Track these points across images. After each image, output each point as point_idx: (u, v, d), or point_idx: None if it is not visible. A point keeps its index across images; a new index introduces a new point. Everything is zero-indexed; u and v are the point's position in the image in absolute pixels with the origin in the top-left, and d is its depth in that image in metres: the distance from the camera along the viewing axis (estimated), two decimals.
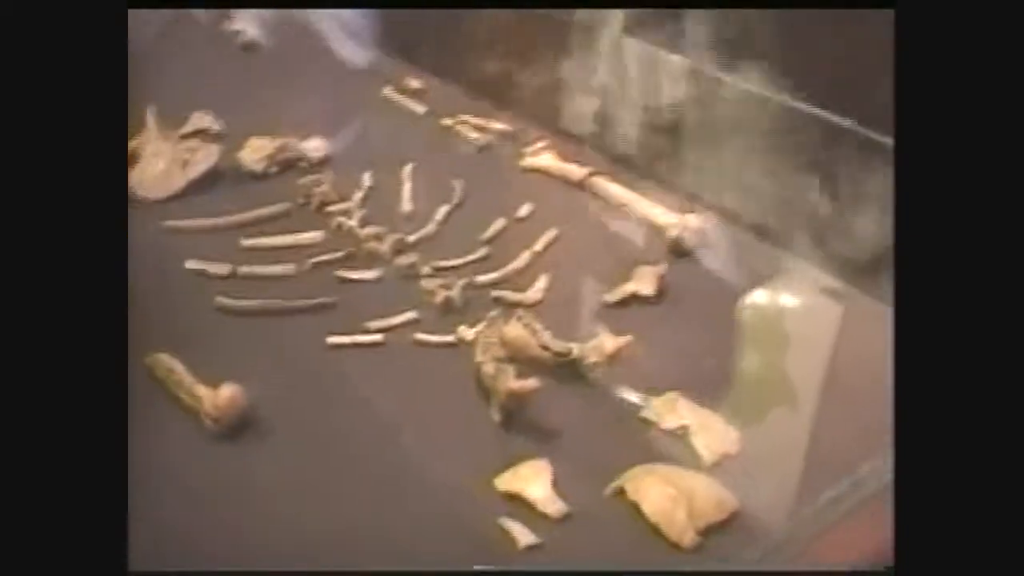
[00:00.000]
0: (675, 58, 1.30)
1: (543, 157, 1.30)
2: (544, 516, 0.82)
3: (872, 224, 1.31)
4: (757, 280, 1.14)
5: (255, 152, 1.30)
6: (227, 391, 0.89)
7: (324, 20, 1.97)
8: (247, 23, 1.69)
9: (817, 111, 1.23)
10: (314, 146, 1.31)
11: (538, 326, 0.97)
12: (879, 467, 0.82)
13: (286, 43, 1.66)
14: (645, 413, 0.92)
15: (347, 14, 2.05)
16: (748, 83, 1.29)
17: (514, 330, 0.97)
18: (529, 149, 1.32)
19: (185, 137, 1.32)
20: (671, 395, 0.93)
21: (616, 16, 1.44)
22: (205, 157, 1.28)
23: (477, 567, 0.78)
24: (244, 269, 1.11)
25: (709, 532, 0.80)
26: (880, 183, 1.25)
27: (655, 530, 0.80)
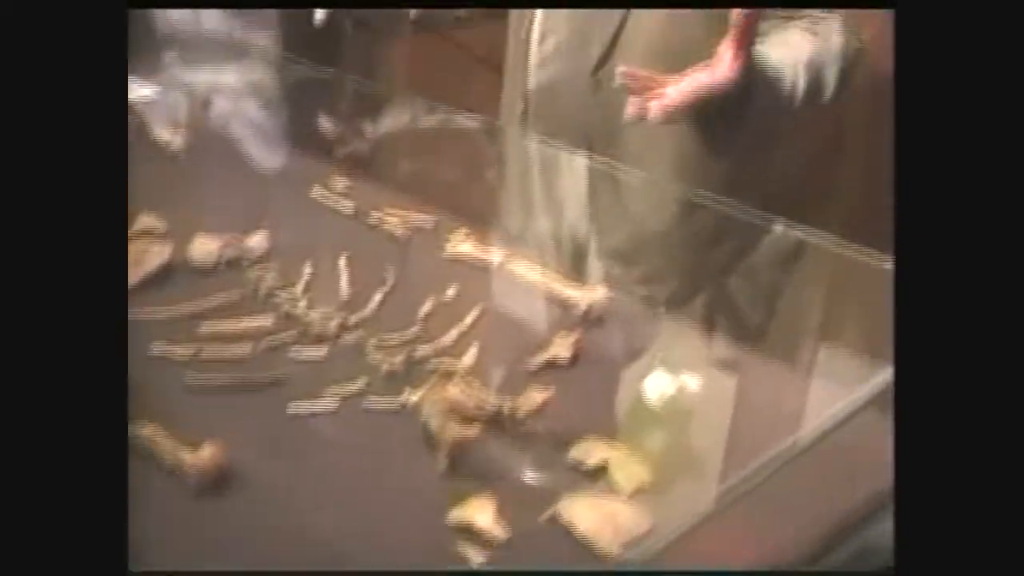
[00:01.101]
0: (577, 158, 1.50)
1: (463, 244, 1.46)
2: (492, 541, 0.96)
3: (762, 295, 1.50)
4: (656, 345, 1.32)
5: (202, 248, 1.44)
6: (209, 449, 1.03)
7: (239, 125, 2.13)
8: (172, 133, 1.83)
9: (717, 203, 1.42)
10: (257, 241, 1.46)
11: (474, 386, 1.13)
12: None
13: (211, 148, 1.82)
14: (570, 454, 1.08)
15: (262, 118, 2.22)
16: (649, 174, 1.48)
17: (454, 390, 1.12)
18: (450, 237, 1.48)
19: (134, 237, 1.45)
20: (591, 439, 1.09)
21: (520, 119, 1.63)
22: (158, 254, 1.41)
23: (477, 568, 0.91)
24: (205, 352, 1.24)
25: (630, 544, 0.96)
26: (769, 253, 1.45)
27: (587, 545, 0.96)
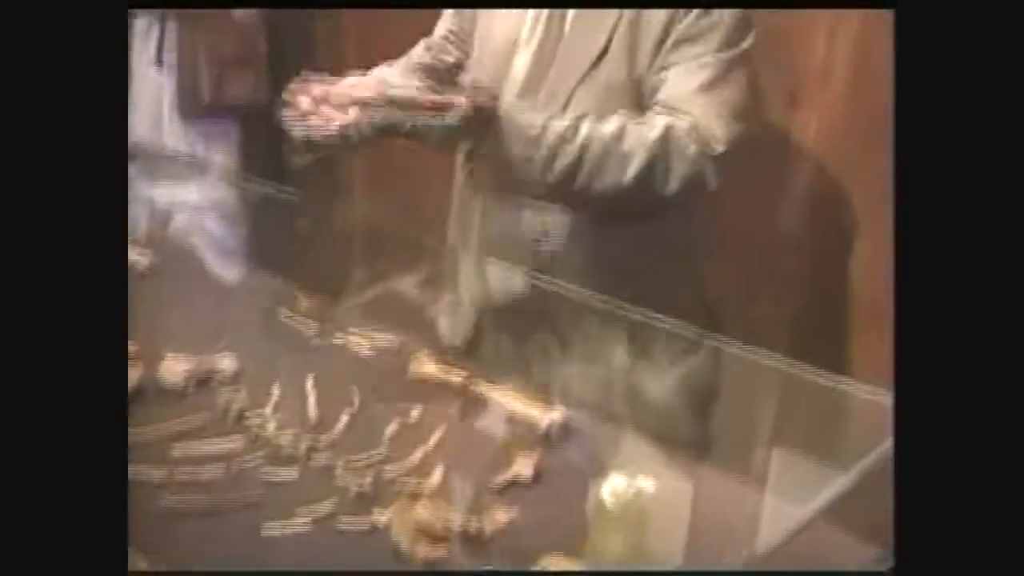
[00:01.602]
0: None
1: (426, 365, 1.52)
2: None
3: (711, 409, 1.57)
4: (612, 461, 1.38)
5: (171, 370, 1.49)
6: None
7: (202, 243, 2.19)
8: (138, 252, 1.89)
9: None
10: (225, 363, 1.51)
11: (441, 506, 1.18)
12: None
13: (175, 265, 1.87)
14: (534, 567, 1.13)
15: (224, 236, 2.28)
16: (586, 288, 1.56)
17: (422, 511, 1.17)
18: (414, 358, 1.54)
19: None
20: (555, 555, 1.14)
21: (477, 240, 1.71)
22: (128, 377, 1.46)
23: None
24: (179, 474, 1.28)
25: None
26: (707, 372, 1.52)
27: None
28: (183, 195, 2.34)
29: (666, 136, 1.46)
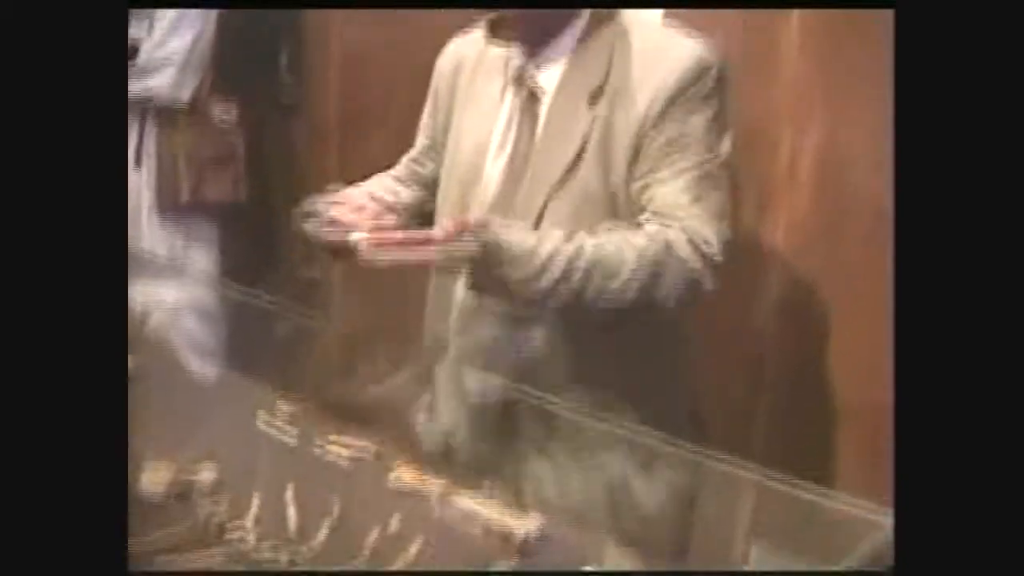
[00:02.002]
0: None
1: (405, 475, 1.54)
2: None
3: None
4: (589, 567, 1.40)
5: (151, 480, 1.50)
6: None
7: (181, 345, 2.21)
8: None
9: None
10: (205, 474, 1.52)
11: None
12: None
13: (154, 369, 1.88)
14: None
15: (204, 338, 2.30)
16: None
17: None
18: (393, 467, 1.56)
19: None
20: None
21: (454, 346, 1.73)
22: None
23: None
24: None
25: None
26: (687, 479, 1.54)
27: None
28: (161, 295, 2.36)
29: (667, 250, 1.49)
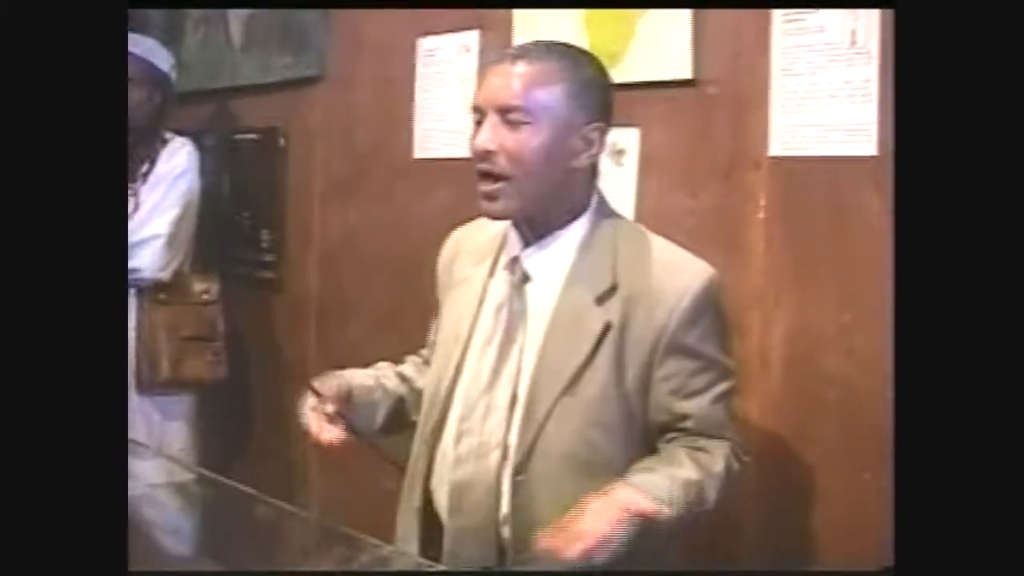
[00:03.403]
0: None
1: None
2: None
3: None
4: None
5: None
6: None
7: (156, 526, 2.18)
8: None
9: None
10: None
11: None
12: None
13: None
14: None
15: (179, 520, 2.27)
16: None
17: None
18: None
19: None
20: None
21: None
22: None
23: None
24: None
25: None
26: None
27: None
28: (137, 472, 2.35)
29: (727, 472, 1.56)
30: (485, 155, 1.55)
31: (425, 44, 2.67)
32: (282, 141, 3.08)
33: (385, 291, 2.80)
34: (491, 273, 1.69)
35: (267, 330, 3.13)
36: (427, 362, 1.84)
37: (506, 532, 1.60)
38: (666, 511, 1.45)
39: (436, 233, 2.63)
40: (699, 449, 1.56)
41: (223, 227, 3.12)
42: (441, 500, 1.67)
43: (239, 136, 3.21)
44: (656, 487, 1.48)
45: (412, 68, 2.71)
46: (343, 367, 2.87)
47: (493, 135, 1.55)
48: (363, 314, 2.86)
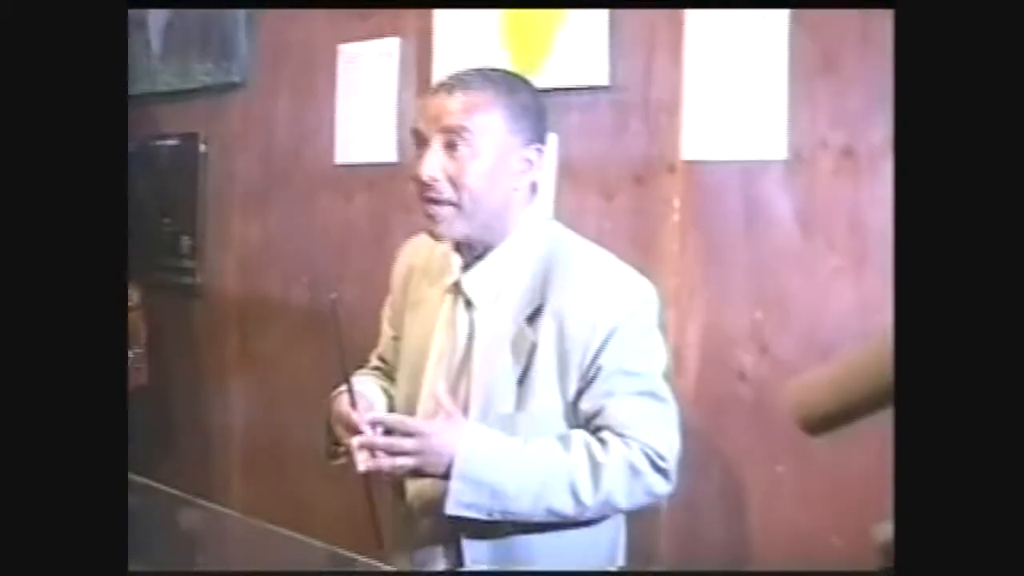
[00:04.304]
0: None
1: None
2: None
3: None
4: None
5: None
6: None
7: None
8: None
9: None
10: None
11: None
12: None
13: None
14: None
15: None
16: None
17: None
18: None
19: None
20: None
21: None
22: None
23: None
24: None
25: None
26: None
27: None
28: None
29: (633, 470, 1.58)
30: (430, 181, 1.58)
31: (346, 50, 2.69)
32: (203, 147, 3.07)
33: (305, 297, 2.81)
34: (442, 296, 1.72)
35: (188, 336, 3.11)
36: (388, 375, 1.85)
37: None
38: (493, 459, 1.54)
39: (357, 239, 2.67)
40: (600, 441, 1.59)
41: (143, 234, 3.09)
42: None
43: (159, 142, 3.19)
44: (506, 442, 1.56)
45: (333, 74, 2.72)
46: (264, 373, 2.88)
47: (437, 162, 1.58)
48: (283, 320, 2.86)
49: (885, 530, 0.74)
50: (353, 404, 1.58)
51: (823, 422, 0.78)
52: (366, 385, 1.76)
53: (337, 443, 1.63)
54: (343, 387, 1.60)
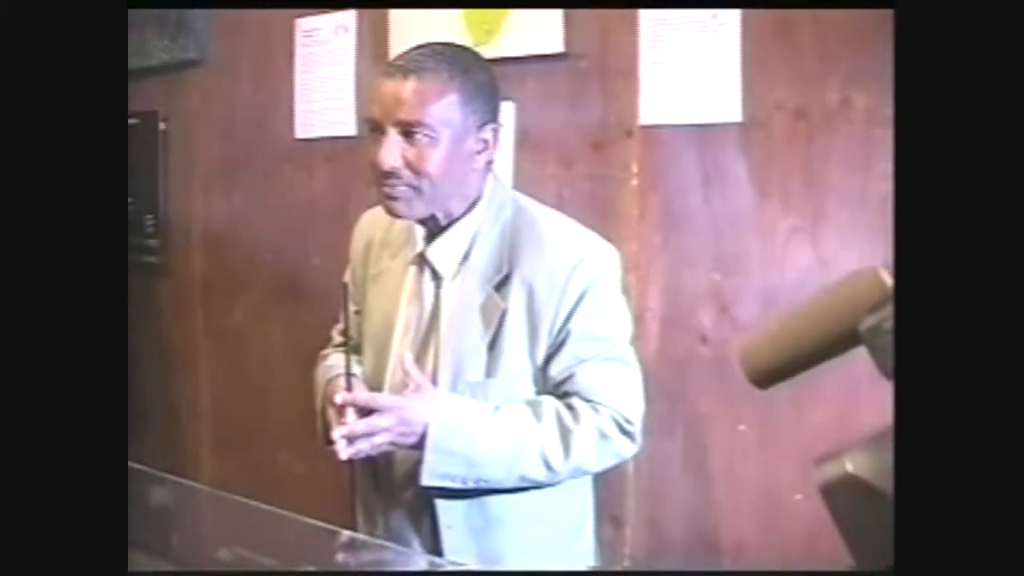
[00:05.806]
0: None
1: None
2: None
3: None
4: None
5: None
6: None
7: None
8: None
9: None
10: None
11: None
12: None
13: None
14: None
15: None
16: None
17: None
18: None
19: None
20: None
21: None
22: None
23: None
24: None
25: None
26: None
27: None
28: None
29: (600, 435, 1.62)
30: (391, 171, 1.59)
31: (303, 24, 2.69)
32: (162, 125, 3.06)
33: (269, 272, 2.82)
34: (406, 267, 1.73)
35: (153, 315, 3.11)
36: (355, 349, 1.86)
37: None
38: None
39: (319, 212, 2.67)
40: (568, 407, 1.62)
41: None
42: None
43: None
44: (477, 409, 1.60)
45: (291, 49, 2.72)
46: (231, 349, 2.88)
47: (396, 151, 1.58)
48: (248, 296, 2.87)
49: (824, 471, 0.76)
50: (349, 387, 1.60)
51: (769, 375, 0.81)
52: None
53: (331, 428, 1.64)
54: (340, 371, 1.62)
